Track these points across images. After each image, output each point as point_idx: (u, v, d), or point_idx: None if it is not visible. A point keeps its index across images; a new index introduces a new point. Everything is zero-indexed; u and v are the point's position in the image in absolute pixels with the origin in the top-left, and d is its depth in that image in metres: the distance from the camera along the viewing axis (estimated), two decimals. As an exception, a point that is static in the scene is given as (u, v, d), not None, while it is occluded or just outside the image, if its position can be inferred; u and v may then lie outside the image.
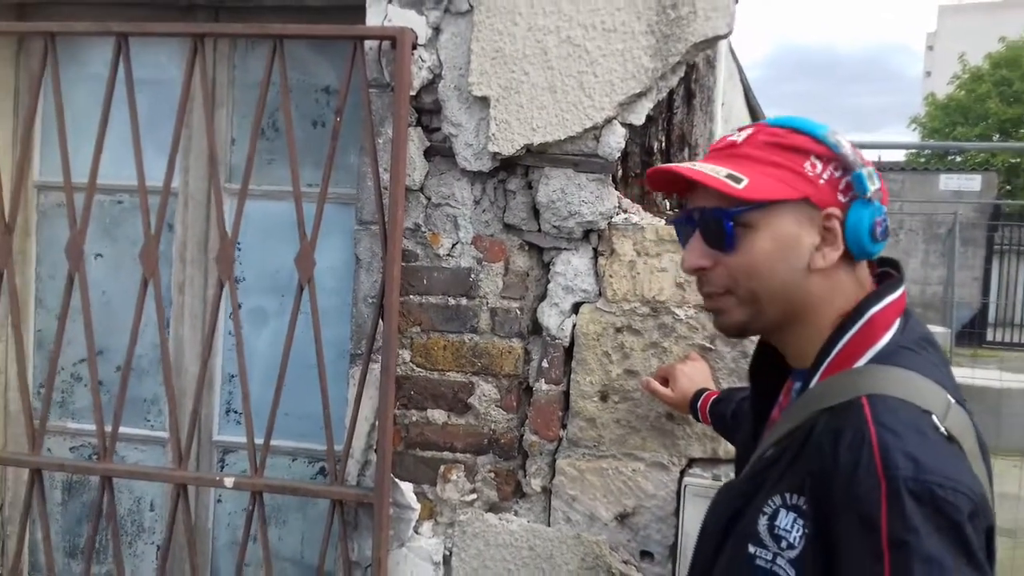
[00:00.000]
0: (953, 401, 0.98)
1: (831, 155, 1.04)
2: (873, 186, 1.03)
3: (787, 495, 0.99)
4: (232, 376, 2.38)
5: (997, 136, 25.30)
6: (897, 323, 1.04)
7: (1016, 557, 4.25)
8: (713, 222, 1.06)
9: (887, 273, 1.12)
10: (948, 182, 15.36)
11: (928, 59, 43.89)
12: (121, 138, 2.18)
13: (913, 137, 28.16)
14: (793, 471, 0.99)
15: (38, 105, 2.21)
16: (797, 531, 0.96)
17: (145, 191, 2.07)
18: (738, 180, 1.02)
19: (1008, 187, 22.05)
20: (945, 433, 0.94)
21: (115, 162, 2.29)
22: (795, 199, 1.03)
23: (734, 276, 1.07)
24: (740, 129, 1.10)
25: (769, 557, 0.99)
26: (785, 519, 0.98)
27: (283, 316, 2.37)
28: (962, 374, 7.65)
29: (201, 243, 2.39)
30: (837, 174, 1.04)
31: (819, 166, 1.04)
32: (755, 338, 1.21)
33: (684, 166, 1.07)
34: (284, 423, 2.09)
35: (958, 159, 21.51)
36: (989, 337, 14.82)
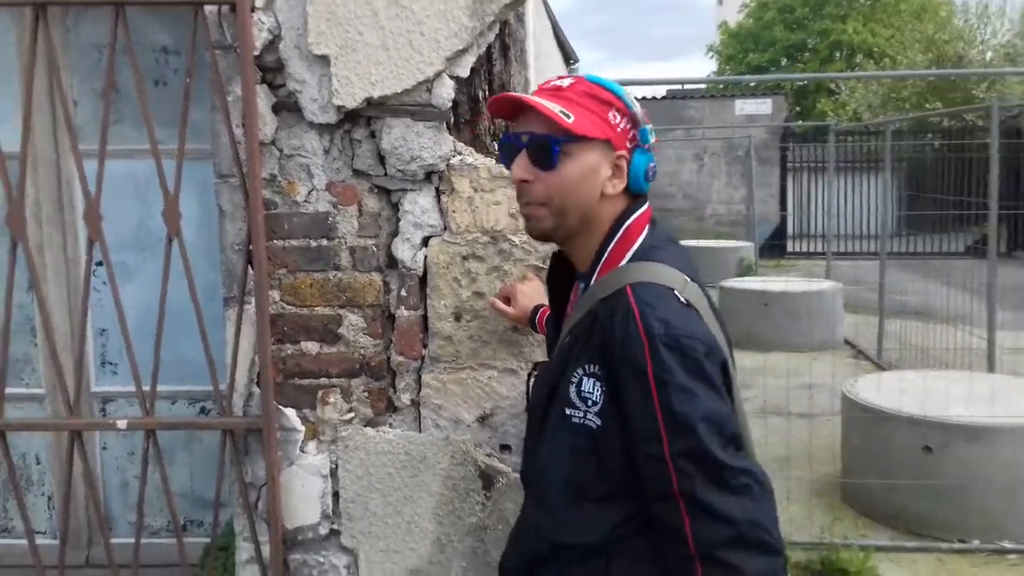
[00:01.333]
0: (689, 280, 1.33)
1: (627, 111, 1.37)
2: (652, 139, 1.39)
3: (586, 365, 1.30)
4: (103, 330, 2.49)
5: (784, 60, 27.15)
6: (646, 229, 1.40)
7: (814, 438, 4.90)
8: (542, 145, 1.33)
9: (637, 196, 1.46)
10: (743, 107, 16.45)
11: (720, -12, 46.06)
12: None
13: (711, 64, 29.66)
14: (588, 348, 1.31)
15: None
16: (598, 391, 1.29)
17: (2, 157, 2.13)
18: (568, 116, 1.30)
19: (798, 108, 23.81)
20: (684, 301, 1.29)
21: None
22: (601, 139, 1.34)
23: (549, 191, 1.35)
24: (561, 78, 1.38)
25: (580, 415, 1.31)
26: (587, 384, 1.30)
27: (145, 269, 2.50)
28: (774, 282, 8.41)
29: (56, 203, 2.47)
30: (628, 126, 1.37)
31: (618, 118, 1.36)
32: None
33: (528, 96, 1.34)
34: (162, 369, 2.24)
35: (752, 84, 23.04)
36: (789, 248, 16.17)
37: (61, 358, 2.22)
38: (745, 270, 12.13)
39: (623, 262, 1.36)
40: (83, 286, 2.17)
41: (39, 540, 2.44)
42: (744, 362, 6.09)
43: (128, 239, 2.50)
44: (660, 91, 17.84)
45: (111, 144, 2.40)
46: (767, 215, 16.01)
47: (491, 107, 1.43)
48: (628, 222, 1.38)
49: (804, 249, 16.14)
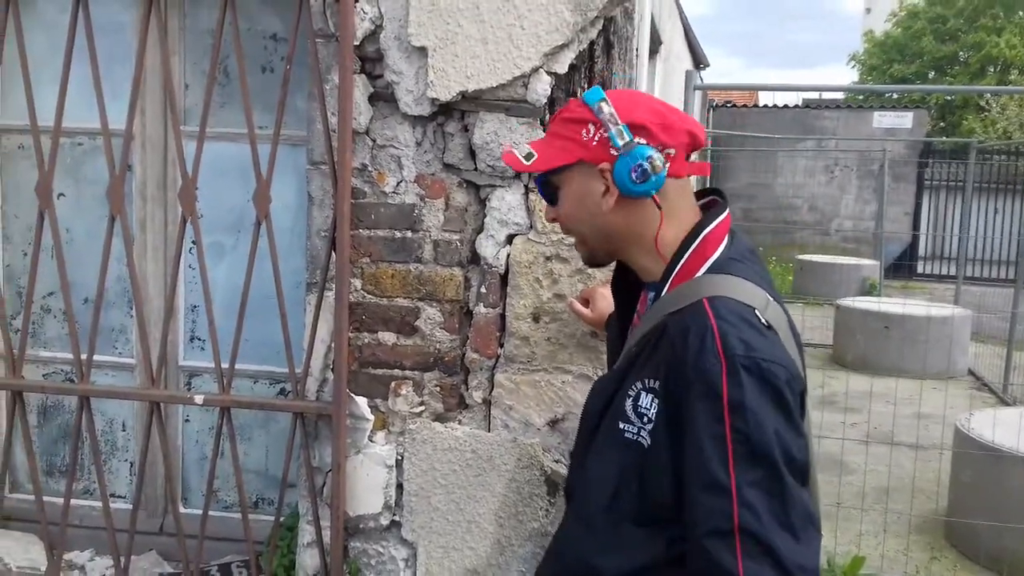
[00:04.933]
0: (771, 299, 1.25)
1: (598, 121, 1.30)
2: (623, 140, 1.28)
3: (646, 380, 1.24)
4: (195, 307, 2.57)
5: (932, 73, 25.85)
6: (725, 240, 1.32)
7: (921, 471, 4.64)
8: (541, 186, 1.43)
9: (714, 201, 1.40)
10: (881, 120, 15.75)
11: (868, -5, 44.27)
12: (75, 82, 2.29)
13: (852, 74, 28.56)
14: (651, 362, 1.25)
15: (2, 52, 2.32)
16: (654, 408, 1.22)
17: (108, 134, 2.22)
18: (530, 156, 1.33)
19: (942, 124, 22.63)
20: (765, 323, 1.21)
21: (72, 106, 2.42)
22: (572, 163, 1.33)
23: (564, 223, 1.41)
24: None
25: (634, 431, 1.25)
26: (645, 399, 1.24)
27: (237, 251, 2.56)
28: (893, 304, 7.99)
29: (160, 182, 2.56)
30: (606, 135, 1.30)
31: (592, 130, 1.31)
32: None
33: (504, 151, 1.44)
34: (245, 348, 2.29)
35: (895, 96, 22.01)
36: (919, 270, 15.40)
37: (151, 331, 2.30)
38: (868, 290, 11.62)
39: (699, 273, 1.28)
40: (174, 262, 2.23)
41: (119, 504, 2.56)
42: (855, 385, 5.82)
43: (224, 220, 2.57)
44: (796, 99, 17.28)
45: (216, 127, 2.48)
46: (898, 234, 15.28)
47: (507, 162, 1.44)
48: (705, 231, 1.31)
49: (935, 271, 15.35)
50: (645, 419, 1.23)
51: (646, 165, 1.28)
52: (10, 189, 2.63)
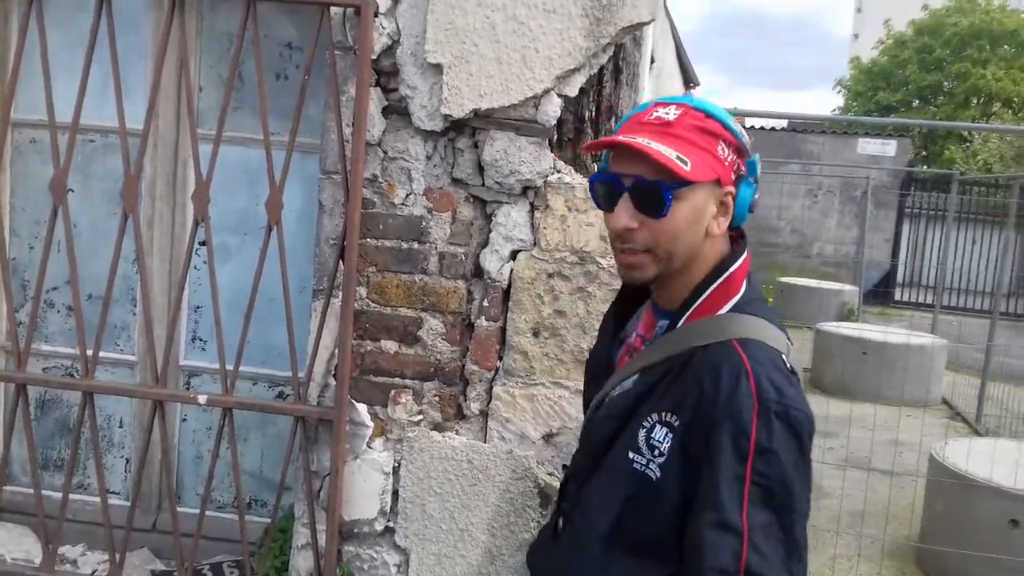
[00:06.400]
0: (790, 343, 1.26)
1: (735, 142, 1.25)
2: (759, 170, 1.28)
3: (663, 413, 1.21)
4: (198, 307, 2.60)
5: (916, 102, 26.19)
6: (746, 279, 1.30)
7: (895, 496, 4.72)
8: (653, 192, 1.20)
9: (740, 236, 1.35)
10: (866, 146, 15.93)
11: (857, 21, 44.81)
12: (90, 81, 2.32)
13: (838, 99, 28.85)
14: (670, 394, 1.22)
15: (23, 49, 2.34)
16: (667, 442, 1.19)
17: (125, 133, 2.25)
18: (685, 162, 1.19)
19: (924, 152, 22.92)
20: (790, 368, 1.22)
21: (86, 104, 2.46)
22: (714, 179, 1.23)
23: (656, 238, 1.23)
24: (662, 104, 1.26)
25: (643, 462, 1.22)
26: (659, 432, 1.21)
27: (241, 253, 2.59)
28: (873, 330, 8.09)
29: (169, 182, 2.59)
30: (735, 157, 1.25)
31: (726, 151, 1.24)
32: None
33: (642, 143, 1.20)
34: (247, 350, 2.32)
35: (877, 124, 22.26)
36: (897, 297, 15.57)
37: (155, 329, 2.33)
38: (847, 315, 11.76)
39: (723, 310, 1.26)
40: (184, 263, 2.27)
41: (113, 500, 2.57)
42: (832, 410, 5.90)
43: (233, 223, 2.60)
44: (780, 122, 17.46)
45: (229, 131, 2.51)
46: (878, 260, 15.46)
47: (590, 147, 1.34)
48: (732, 268, 1.28)
49: (913, 299, 15.53)
50: (656, 452, 1.21)
51: (757, 196, 1.29)
52: (19, 182, 2.66)
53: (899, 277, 15.88)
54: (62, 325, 2.68)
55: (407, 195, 2.30)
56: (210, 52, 2.60)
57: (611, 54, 2.30)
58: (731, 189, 1.25)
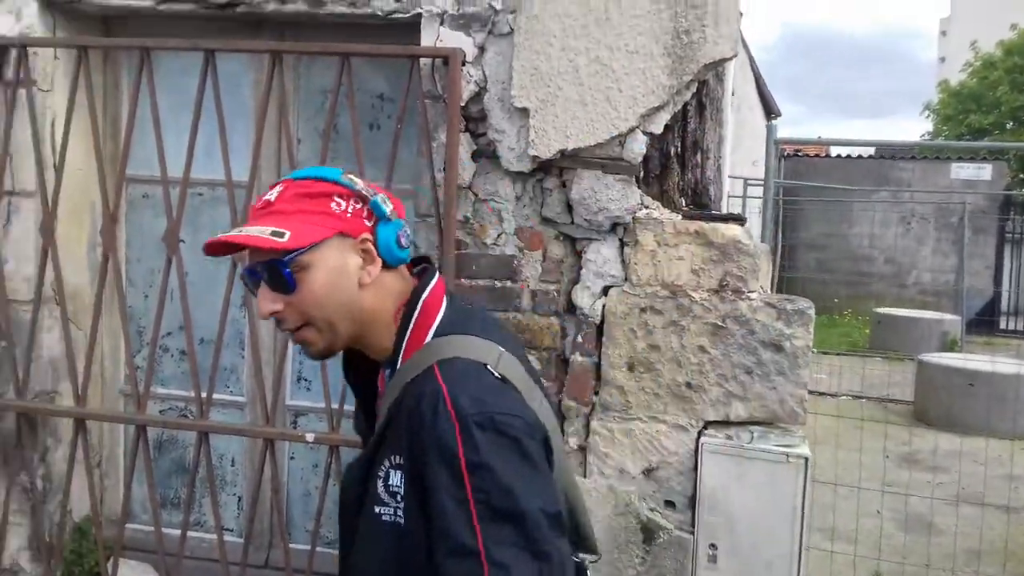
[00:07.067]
0: (505, 352, 1.22)
1: (349, 192, 1.25)
2: (388, 207, 1.26)
3: (392, 457, 1.18)
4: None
5: (1011, 124, 25.29)
6: (445, 302, 1.28)
7: (1013, 533, 4.52)
8: (273, 272, 1.21)
9: (424, 268, 1.34)
10: (959, 171, 15.45)
11: (942, 44, 43.69)
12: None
13: (926, 124, 28.14)
14: (394, 436, 1.19)
15: (136, 110, 2.50)
16: (403, 484, 1.16)
17: (232, 185, 2.39)
18: (281, 235, 1.19)
19: (1022, 176, 22.07)
20: (499, 376, 1.19)
21: (193, 160, 2.60)
22: (331, 236, 1.22)
23: (304, 311, 1.22)
24: (272, 187, 1.28)
25: (390, 512, 1.18)
26: (394, 477, 1.18)
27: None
28: (980, 361, 7.77)
29: (272, 232, 2.71)
30: (359, 206, 1.24)
31: (343, 203, 1.24)
32: None
33: (232, 233, 1.22)
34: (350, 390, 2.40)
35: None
36: (1002, 326, 14.93)
37: (263, 371, 2.43)
38: (949, 345, 11.33)
39: (427, 339, 1.24)
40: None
41: (227, 537, 2.67)
42: (941, 444, 5.70)
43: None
44: (867, 150, 17.08)
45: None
46: (979, 288, 14.88)
47: (209, 251, 1.27)
48: (423, 297, 1.27)
49: (1019, 328, 14.87)
50: (398, 497, 1.17)
51: (408, 230, 1.28)
52: (133, 235, 2.83)
53: (1003, 305, 15.24)
54: (175, 369, 2.82)
55: (498, 235, 2.36)
56: (307, 106, 2.73)
57: (694, 90, 2.34)
58: (366, 236, 1.25)
